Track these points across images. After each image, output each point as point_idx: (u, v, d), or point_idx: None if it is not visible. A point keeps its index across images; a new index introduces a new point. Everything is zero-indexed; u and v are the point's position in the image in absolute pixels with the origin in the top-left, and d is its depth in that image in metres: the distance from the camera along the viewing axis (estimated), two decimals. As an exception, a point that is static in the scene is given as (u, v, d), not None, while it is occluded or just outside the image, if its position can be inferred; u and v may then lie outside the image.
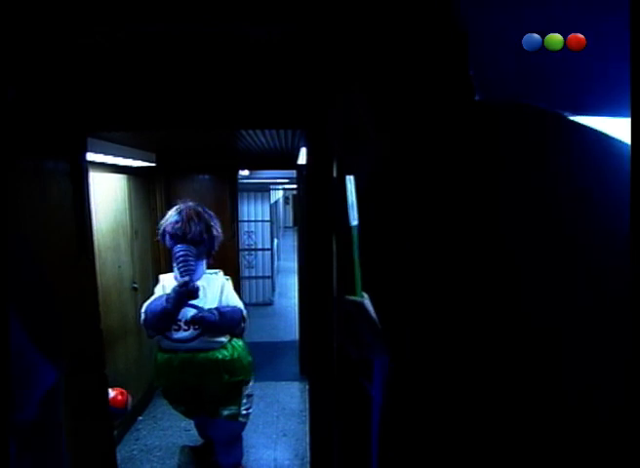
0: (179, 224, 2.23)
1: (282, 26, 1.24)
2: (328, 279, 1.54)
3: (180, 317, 2.28)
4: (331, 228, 1.49)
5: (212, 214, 2.41)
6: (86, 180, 1.67)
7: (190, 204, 2.37)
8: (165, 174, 3.86)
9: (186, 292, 2.21)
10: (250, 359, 2.56)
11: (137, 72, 1.48)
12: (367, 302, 0.80)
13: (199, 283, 2.32)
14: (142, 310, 2.34)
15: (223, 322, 2.31)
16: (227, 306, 2.38)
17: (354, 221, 1.00)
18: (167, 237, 2.31)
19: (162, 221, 2.36)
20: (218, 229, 2.38)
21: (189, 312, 2.29)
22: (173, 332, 2.31)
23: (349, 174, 0.75)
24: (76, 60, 1.40)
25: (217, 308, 2.32)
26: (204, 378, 2.38)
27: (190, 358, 2.35)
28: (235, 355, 2.44)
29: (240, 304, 2.45)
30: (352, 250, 0.89)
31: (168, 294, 2.25)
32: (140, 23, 1.25)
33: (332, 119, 0.57)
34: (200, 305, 2.31)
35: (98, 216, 2.56)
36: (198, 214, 2.31)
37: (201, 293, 2.30)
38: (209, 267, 2.47)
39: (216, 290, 2.40)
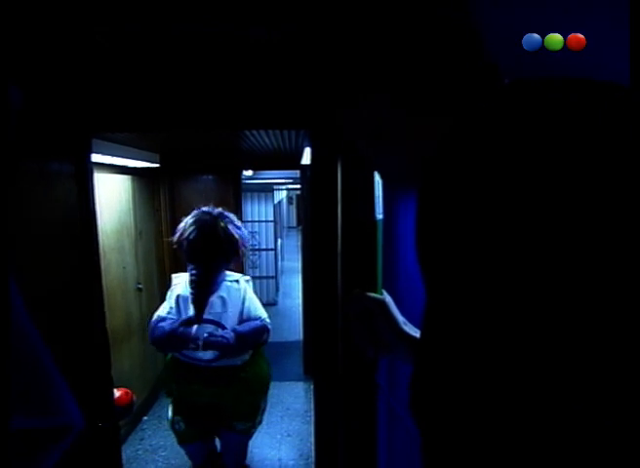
0: (195, 243, 2.08)
1: (282, 26, 1.24)
2: (333, 279, 1.54)
3: (197, 335, 2.06)
4: (336, 227, 1.49)
5: (231, 216, 2.24)
6: (91, 181, 1.68)
7: (206, 213, 2.18)
8: (169, 174, 3.88)
9: (184, 340, 2.02)
10: (270, 372, 2.43)
11: (141, 73, 1.49)
12: (389, 300, 0.78)
13: (219, 294, 2.17)
14: (150, 328, 2.16)
15: (243, 343, 2.11)
16: (249, 319, 2.19)
17: (379, 215, 0.98)
18: (184, 248, 2.13)
19: (180, 227, 2.18)
20: (238, 231, 2.19)
21: (206, 331, 2.09)
22: (190, 352, 2.10)
23: (375, 169, 0.73)
24: (80, 62, 1.40)
25: (234, 329, 2.11)
26: (224, 397, 2.21)
27: (211, 376, 2.16)
28: (258, 371, 2.29)
29: (263, 313, 2.26)
30: (375, 245, 0.87)
31: (172, 327, 2.05)
32: (141, 23, 1.26)
33: (343, 118, 0.56)
34: (221, 321, 2.13)
35: (102, 217, 2.57)
36: (214, 226, 2.13)
37: (221, 307, 2.13)
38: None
39: (237, 301, 2.19)
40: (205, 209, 2.22)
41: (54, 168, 1.52)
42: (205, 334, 2.05)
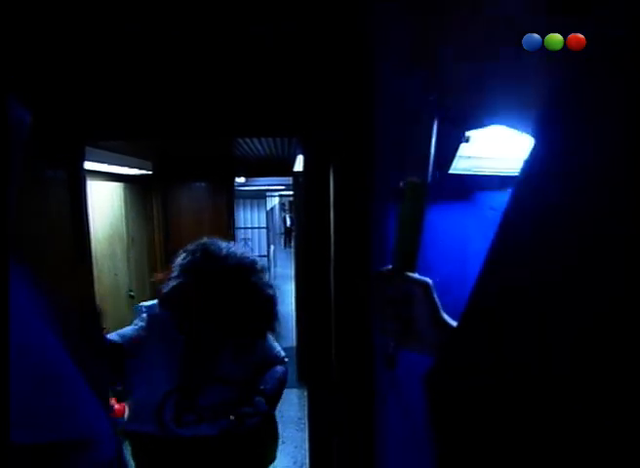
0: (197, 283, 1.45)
1: (280, 26, 1.25)
2: (325, 284, 1.55)
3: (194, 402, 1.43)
4: (329, 231, 1.49)
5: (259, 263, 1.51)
6: (84, 189, 1.68)
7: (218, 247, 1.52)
8: (162, 181, 3.88)
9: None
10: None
11: (133, 82, 1.49)
12: (432, 283, 0.67)
13: None
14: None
15: (274, 403, 1.55)
16: (264, 360, 1.57)
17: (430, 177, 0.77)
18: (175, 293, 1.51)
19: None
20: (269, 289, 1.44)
21: (212, 391, 1.47)
22: (187, 428, 1.45)
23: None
24: (74, 69, 1.41)
25: (262, 391, 1.52)
26: None
27: (206, 457, 1.47)
28: (273, 426, 1.69)
29: (281, 350, 1.68)
30: (415, 213, 0.67)
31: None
32: (138, 23, 1.27)
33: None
34: (230, 376, 1.51)
35: (94, 224, 2.56)
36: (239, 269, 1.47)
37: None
38: None
39: None
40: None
41: (47, 175, 1.52)
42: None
